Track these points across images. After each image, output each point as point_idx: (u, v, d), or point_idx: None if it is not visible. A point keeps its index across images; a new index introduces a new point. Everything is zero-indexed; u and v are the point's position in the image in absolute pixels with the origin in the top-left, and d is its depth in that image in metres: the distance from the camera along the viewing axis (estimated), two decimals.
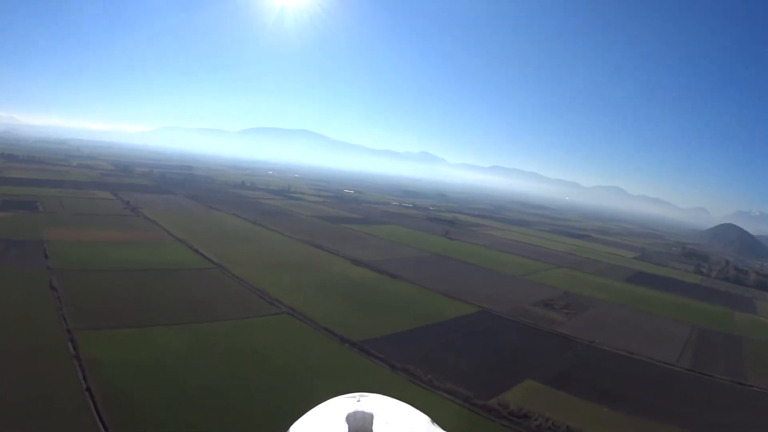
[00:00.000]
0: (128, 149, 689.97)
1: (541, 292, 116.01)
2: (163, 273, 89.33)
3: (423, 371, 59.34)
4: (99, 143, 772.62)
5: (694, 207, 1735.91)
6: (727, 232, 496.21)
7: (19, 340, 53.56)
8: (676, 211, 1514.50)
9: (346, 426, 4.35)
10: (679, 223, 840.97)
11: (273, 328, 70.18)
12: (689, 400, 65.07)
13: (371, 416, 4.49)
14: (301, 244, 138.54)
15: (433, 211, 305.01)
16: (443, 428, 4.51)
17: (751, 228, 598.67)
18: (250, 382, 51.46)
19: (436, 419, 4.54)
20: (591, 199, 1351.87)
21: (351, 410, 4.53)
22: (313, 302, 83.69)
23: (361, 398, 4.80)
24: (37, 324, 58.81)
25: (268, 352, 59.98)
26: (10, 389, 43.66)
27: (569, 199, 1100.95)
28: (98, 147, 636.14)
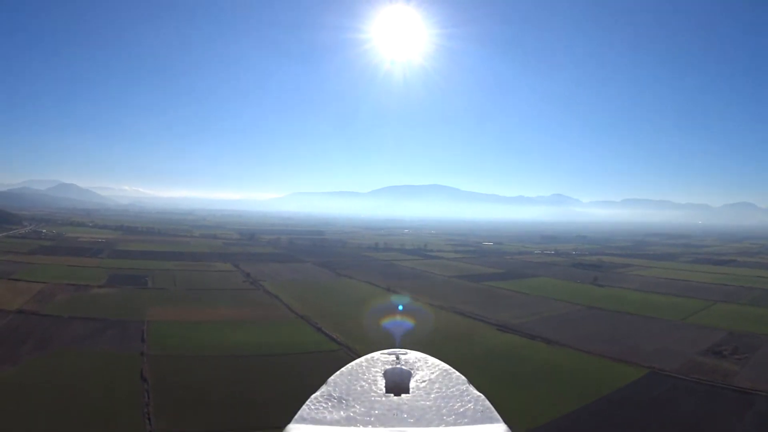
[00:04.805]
0: (257, 216, 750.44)
1: (706, 337, 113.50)
2: (277, 360, 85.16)
3: None
4: (226, 212, 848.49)
5: None
6: None
7: None
8: None
9: (384, 381, 4.79)
10: None
11: None
12: None
13: (409, 373, 4.94)
14: (440, 310, 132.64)
15: (576, 256, 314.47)
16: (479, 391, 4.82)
17: None
18: None
19: None
20: (723, 219, 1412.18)
21: (389, 366, 5.02)
22: None
23: (401, 355, 5.26)
24: (116, 423, 56.80)
25: None
26: None
27: (702, 223, 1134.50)
28: (225, 216, 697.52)
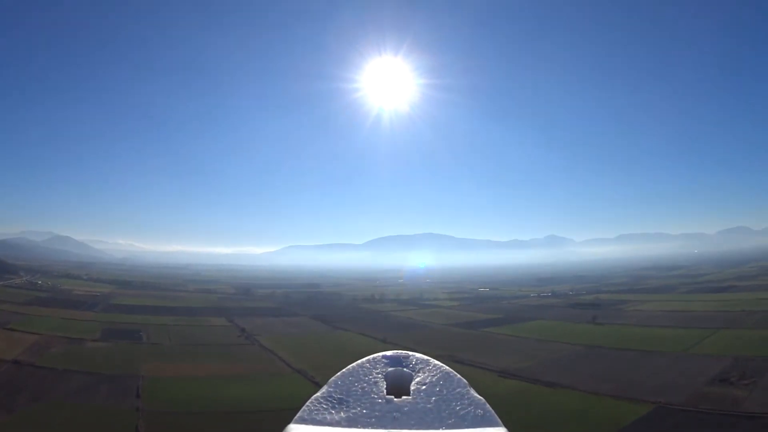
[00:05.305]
0: (252, 270, 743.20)
1: (711, 366, 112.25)
2: (272, 414, 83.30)
3: None
4: (221, 266, 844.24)
5: None
6: None
7: None
8: None
9: (384, 383, 4.72)
10: None
11: None
12: None
13: (410, 375, 4.88)
14: (439, 360, 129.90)
15: (573, 296, 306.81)
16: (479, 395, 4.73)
17: None
18: None
19: None
20: (719, 246, 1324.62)
21: (391, 368, 4.92)
22: None
23: (402, 357, 5.12)
24: None
25: None
26: None
27: (698, 252, 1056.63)
28: (220, 270, 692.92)
